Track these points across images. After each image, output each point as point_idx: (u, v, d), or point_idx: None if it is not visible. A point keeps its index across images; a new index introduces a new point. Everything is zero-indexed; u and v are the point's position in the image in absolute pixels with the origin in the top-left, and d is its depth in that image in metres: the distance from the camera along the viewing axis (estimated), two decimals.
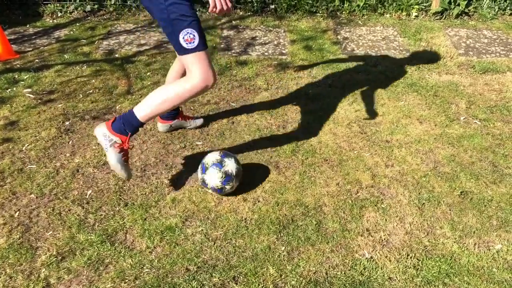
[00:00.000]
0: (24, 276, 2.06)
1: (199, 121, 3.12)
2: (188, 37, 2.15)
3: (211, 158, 2.46)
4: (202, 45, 2.19)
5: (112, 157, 2.26)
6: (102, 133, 2.27)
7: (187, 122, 3.07)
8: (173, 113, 2.97)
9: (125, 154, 2.29)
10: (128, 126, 2.26)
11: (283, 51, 4.28)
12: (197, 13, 5.23)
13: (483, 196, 2.55)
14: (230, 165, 2.43)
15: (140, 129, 2.35)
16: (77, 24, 4.86)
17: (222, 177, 2.39)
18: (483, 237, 2.29)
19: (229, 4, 2.06)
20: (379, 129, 3.11)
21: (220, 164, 2.42)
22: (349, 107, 3.37)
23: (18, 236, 2.27)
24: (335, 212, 2.43)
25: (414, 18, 5.05)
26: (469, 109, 3.37)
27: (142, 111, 2.25)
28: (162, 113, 2.36)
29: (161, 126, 3.02)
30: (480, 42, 4.49)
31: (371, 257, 2.17)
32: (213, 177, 2.40)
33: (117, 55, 4.16)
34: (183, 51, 2.17)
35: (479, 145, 2.96)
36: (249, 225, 2.34)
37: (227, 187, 2.43)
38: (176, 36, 2.16)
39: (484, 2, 5.14)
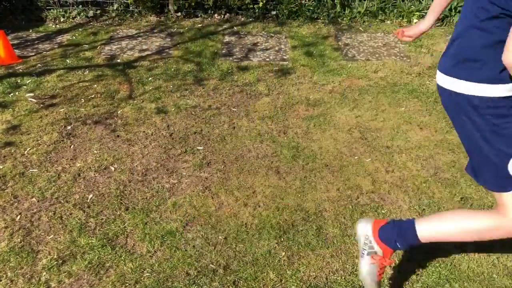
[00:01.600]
0: (25, 280, 2.06)
1: None
2: None
3: None
4: None
5: (365, 267, 1.82)
6: (365, 234, 1.84)
7: None
8: None
9: (381, 270, 1.82)
10: (401, 239, 1.77)
11: (284, 57, 4.30)
12: (199, 18, 5.27)
13: (483, 202, 2.55)
14: None
15: (412, 248, 1.86)
16: (80, 30, 4.89)
17: None
18: (483, 243, 2.28)
19: None
20: (379, 135, 3.12)
21: None
22: (350, 113, 3.38)
23: (19, 239, 2.28)
24: (335, 218, 2.43)
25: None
26: None
27: (426, 231, 1.74)
28: (448, 241, 1.78)
29: None
30: None
31: None
32: None
33: (119, 60, 4.18)
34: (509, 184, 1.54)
35: None
36: (249, 230, 2.35)
37: None
38: (503, 163, 1.52)
39: None
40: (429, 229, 1.74)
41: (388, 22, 5.15)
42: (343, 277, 2.09)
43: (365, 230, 1.84)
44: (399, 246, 1.77)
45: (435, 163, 2.86)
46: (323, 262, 2.17)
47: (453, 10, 5.03)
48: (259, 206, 2.51)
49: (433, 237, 1.74)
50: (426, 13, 5.04)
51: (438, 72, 1.65)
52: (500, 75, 1.44)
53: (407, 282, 2.07)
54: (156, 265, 2.15)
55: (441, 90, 1.64)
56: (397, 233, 1.77)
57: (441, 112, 3.40)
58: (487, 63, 1.46)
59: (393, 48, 4.50)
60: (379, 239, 1.79)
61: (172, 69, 4.00)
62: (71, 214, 2.44)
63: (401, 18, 5.13)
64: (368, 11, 5.15)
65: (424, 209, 2.49)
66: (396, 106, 3.48)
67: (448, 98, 1.61)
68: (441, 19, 5.05)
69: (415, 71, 4.04)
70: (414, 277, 2.09)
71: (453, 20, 5.03)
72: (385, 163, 2.85)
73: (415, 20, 5.06)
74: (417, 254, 2.21)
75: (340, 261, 2.18)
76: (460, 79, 1.53)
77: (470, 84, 1.50)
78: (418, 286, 2.05)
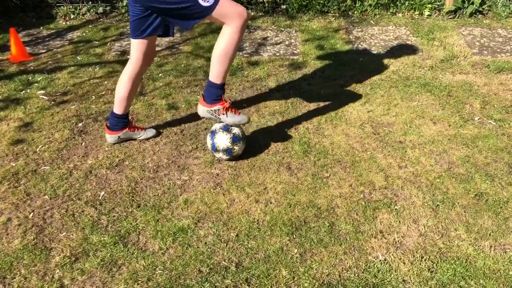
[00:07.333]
0: (38, 277, 2.08)
1: (151, 132, 3.02)
2: None
3: (219, 125, 2.76)
4: None
5: (226, 120, 2.69)
6: (206, 110, 2.70)
7: (137, 132, 2.99)
8: (122, 124, 2.90)
9: (230, 108, 2.69)
10: (214, 95, 2.64)
11: (295, 51, 4.27)
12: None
13: (499, 197, 2.51)
14: (236, 129, 2.73)
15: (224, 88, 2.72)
16: (90, 26, 4.90)
17: (230, 137, 2.67)
18: (499, 240, 2.25)
19: None
20: (392, 130, 3.09)
21: (227, 128, 2.71)
22: (362, 108, 3.34)
23: (32, 237, 2.29)
24: (348, 214, 2.41)
25: (427, 17, 5.00)
26: (483, 109, 3.32)
27: (214, 76, 2.59)
28: (229, 68, 2.60)
29: (109, 137, 2.94)
30: (495, 41, 4.43)
31: (385, 260, 2.15)
32: (222, 139, 2.68)
33: (129, 56, 4.17)
34: (208, 10, 2.40)
35: (494, 146, 2.92)
36: (261, 227, 2.34)
37: (236, 147, 2.69)
38: (196, 2, 2.37)
39: (498, 1, 5.07)
40: (214, 72, 2.58)
41: (399, 15, 5.08)
42: (356, 274, 2.08)
43: (203, 109, 2.70)
44: (218, 98, 2.66)
45: (448, 158, 2.82)
46: (336, 259, 2.15)
47: (466, 2, 4.95)
48: (270, 203, 2.49)
49: (222, 72, 2.57)
50: (438, 5, 4.98)
51: None
52: None
53: (421, 280, 2.04)
54: (168, 262, 2.15)
55: None
56: (208, 95, 2.66)
57: (455, 106, 3.35)
58: None
59: (405, 41, 4.44)
60: (210, 104, 2.67)
61: (183, 65, 3.99)
62: (83, 211, 2.45)
63: (412, 11, 5.06)
64: (379, 4, 5.09)
65: (438, 205, 2.46)
66: (409, 100, 3.44)
67: None
68: (454, 12, 4.98)
69: (427, 65, 3.98)
70: (428, 274, 2.07)
71: (466, 12, 4.95)
72: (398, 159, 2.82)
73: (427, 13, 4.99)
74: (431, 251, 2.18)
75: (353, 258, 2.16)
76: None
77: None
78: (433, 284, 2.02)
